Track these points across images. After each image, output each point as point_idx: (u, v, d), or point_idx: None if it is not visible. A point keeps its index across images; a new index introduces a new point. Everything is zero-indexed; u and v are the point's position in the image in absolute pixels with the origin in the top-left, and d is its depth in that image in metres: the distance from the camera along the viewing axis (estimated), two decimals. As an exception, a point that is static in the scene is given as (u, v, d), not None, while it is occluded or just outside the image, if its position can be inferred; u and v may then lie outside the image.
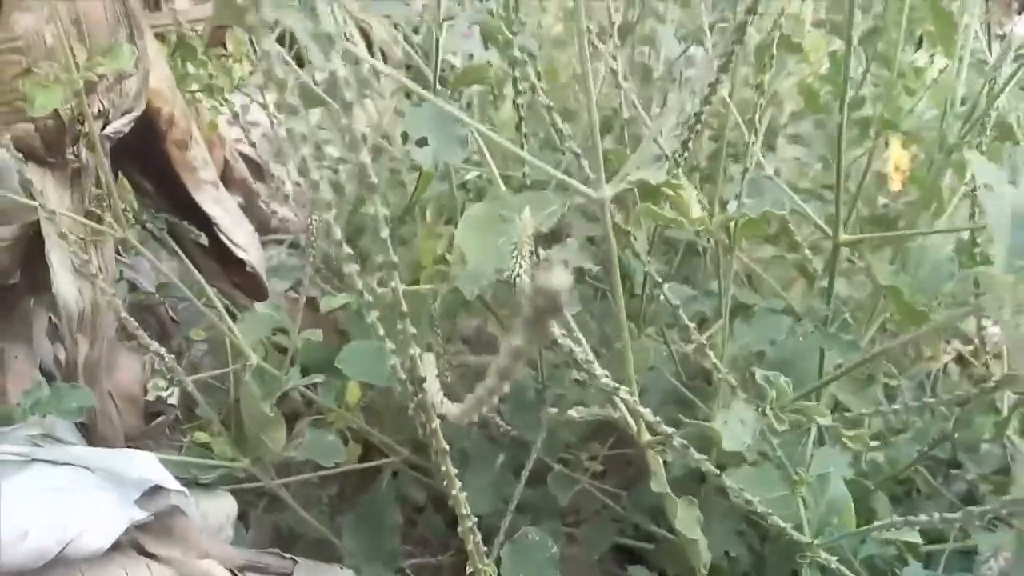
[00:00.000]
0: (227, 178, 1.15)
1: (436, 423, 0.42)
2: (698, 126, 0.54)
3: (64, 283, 0.74)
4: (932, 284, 0.67)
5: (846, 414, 0.60)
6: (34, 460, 0.62)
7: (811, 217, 0.66)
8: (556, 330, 0.46)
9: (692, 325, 0.62)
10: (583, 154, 0.51)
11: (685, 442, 0.51)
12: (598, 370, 0.48)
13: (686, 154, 0.55)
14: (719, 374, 0.61)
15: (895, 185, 0.90)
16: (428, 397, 0.41)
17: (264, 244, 1.06)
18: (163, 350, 0.67)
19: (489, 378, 0.27)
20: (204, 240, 0.88)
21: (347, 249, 0.35)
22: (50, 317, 0.90)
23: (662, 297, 0.63)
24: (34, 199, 0.68)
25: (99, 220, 0.72)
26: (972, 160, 0.65)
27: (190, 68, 1.00)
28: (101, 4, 0.67)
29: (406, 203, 0.90)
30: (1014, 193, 0.39)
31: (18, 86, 0.66)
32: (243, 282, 0.96)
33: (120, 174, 0.85)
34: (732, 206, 0.59)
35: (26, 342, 0.83)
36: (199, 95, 1.02)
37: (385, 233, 0.34)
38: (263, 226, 1.17)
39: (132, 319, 0.68)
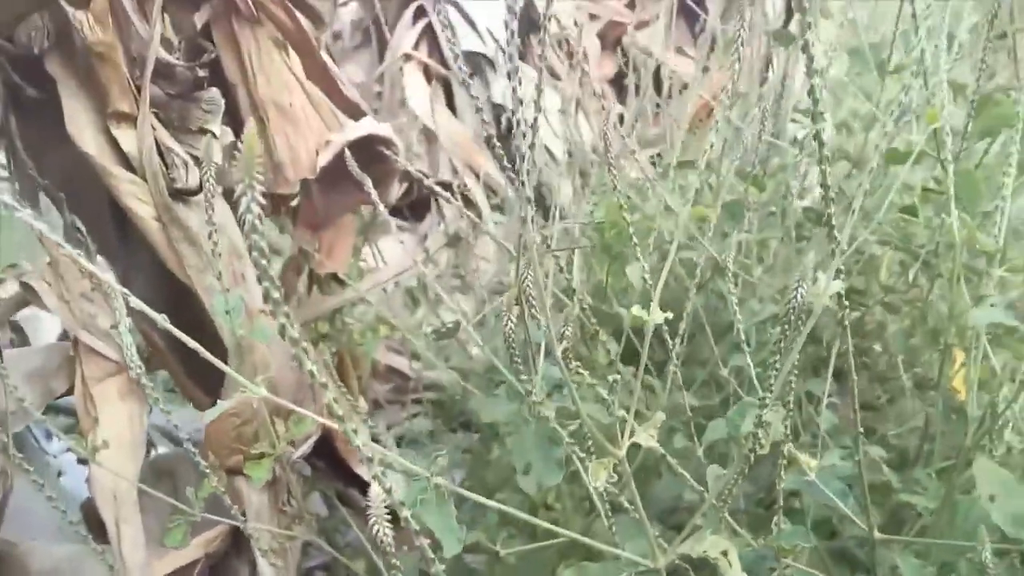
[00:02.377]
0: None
1: None
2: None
3: (264, 565, 0.97)
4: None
5: None
6: None
7: (849, 515, 0.80)
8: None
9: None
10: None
11: None
12: None
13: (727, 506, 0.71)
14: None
15: (962, 395, 1.02)
16: None
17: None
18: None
19: None
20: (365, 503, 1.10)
21: None
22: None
23: None
24: (241, 503, 0.92)
25: (290, 524, 0.94)
26: (980, 471, 0.78)
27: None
28: (289, 369, 0.91)
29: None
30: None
31: (234, 436, 0.90)
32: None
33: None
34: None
35: (235, 599, 1.06)
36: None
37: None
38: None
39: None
